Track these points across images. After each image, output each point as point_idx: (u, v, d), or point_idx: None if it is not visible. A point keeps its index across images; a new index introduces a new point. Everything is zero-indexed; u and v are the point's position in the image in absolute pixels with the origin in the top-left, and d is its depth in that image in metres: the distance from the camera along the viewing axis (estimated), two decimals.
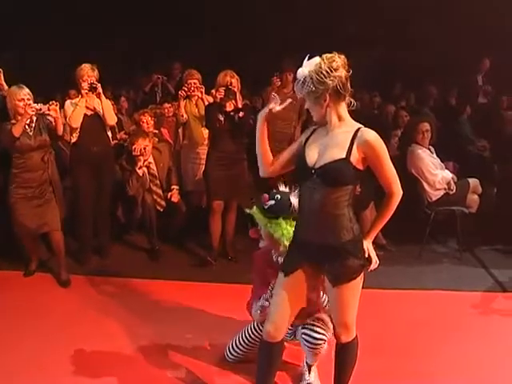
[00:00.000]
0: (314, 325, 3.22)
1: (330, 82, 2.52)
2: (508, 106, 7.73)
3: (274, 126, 5.71)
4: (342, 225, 2.63)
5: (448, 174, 5.55)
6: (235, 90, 5.04)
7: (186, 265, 5.33)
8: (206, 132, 5.61)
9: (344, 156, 2.55)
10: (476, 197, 5.65)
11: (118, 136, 6.65)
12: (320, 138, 2.67)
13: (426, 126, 5.54)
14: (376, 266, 2.75)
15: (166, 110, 6.80)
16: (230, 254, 5.45)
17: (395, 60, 9.32)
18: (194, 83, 5.59)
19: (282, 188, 3.15)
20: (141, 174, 5.45)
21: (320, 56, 2.56)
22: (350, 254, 2.66)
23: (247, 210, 3.11)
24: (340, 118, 2.63)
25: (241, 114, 5.04)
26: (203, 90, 5.60)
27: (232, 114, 5.07)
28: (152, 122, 6.04)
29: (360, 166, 2.59)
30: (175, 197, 5.61)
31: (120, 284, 4.86)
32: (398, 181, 2.67)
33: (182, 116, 5.63)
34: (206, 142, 5.62)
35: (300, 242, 2.75)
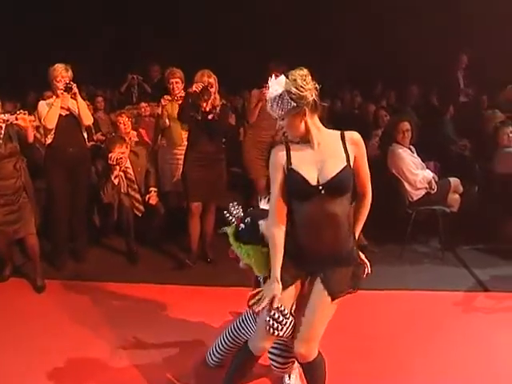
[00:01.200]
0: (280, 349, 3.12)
1: (310, 95, 2.54)
2: (489, 105, 7.83)
3: (257, 135, 5.84)
4: (349, 232, 2.70)
5: (429, 174, 5.59)
6: (212, 90, 5.03)
7: (165, 268, 5.32)
8: (184, 133, 5.61)
9: (346, 163, 2.58)
10: (457, 196, 5.70)
11: (95, 137, 6.62)
12: (307, 156, 2.62)
13: (406, 125, 5.58)
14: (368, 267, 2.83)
15: (143, 110, 6.79)
16: (209, 255, 5.46)
17: (376, 59, 9.38)
18: (176, 82, 5.62)
19: (263, 204, 3.08)
20: (116, 183, 5.42)
21: (285, 74, 2.56)
22: (354, 261, 2.73)
23: (222, 230, 3.07)
24: (319, 128, 2.64)
25: (211, 116, 5.03)
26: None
27: (209, 113, 5.07)
28: (129, 123, 6.03)
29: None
30: (153, 199, 5.60)
31: (97, 288, 4.82)
32: (369, 183, 2.74)
33: (165, 122, 5.68)
34: (185, 142, 5.59)
35: (301, 255, 2.69)
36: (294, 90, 2.50)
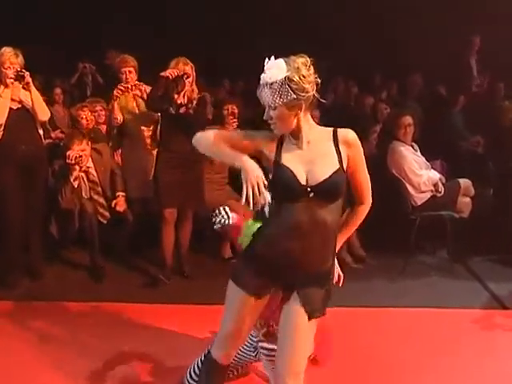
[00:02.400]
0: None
1: (311, 88, 2.52)
2: (505, 94, 7.86)
3: None
4: (335, 244, 2.72)
5: (435, 175, 5.65)
6: (188, 80, 5.04)
7: (136, 284, 5.34)
8: (146, 130, 5.72)
9: (338, 166, 2.58)
10: (468, 200, 5.77)
11: (53, 135, 6.61)
12: (296, 154, 2.63)
13: (408, 119, 5.63)
14: (342, 280, 2.85)
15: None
16: (186, 270, 5.49)
17: (374, 45, 9.43)
18: (129, 71, 5.67)
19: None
20: (76, 186, 5.42)
21: (284, 59, 2.52)
22: (331, 279, 2.74)
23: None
24: (312, 126, 2.64)
25: (183, 109, 5.07)
26: (143, 88, 5.68)
27: (184, 106, 5.09)
28: (92, 118, 6.05)
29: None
30: (121, 205, 5.60)
31: (56, 310, 4.78)
32: (369, 191, 2.73)
33: (116, 118, 5.73)
34: (149, 141, 5.69)
35: (280, 264, 2.67)
36: (296, 79, 2.47)
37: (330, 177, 2.56)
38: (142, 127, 5.75)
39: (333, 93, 8.90)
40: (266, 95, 2.52)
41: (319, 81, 2.56)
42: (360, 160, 2.63)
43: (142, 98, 5.72)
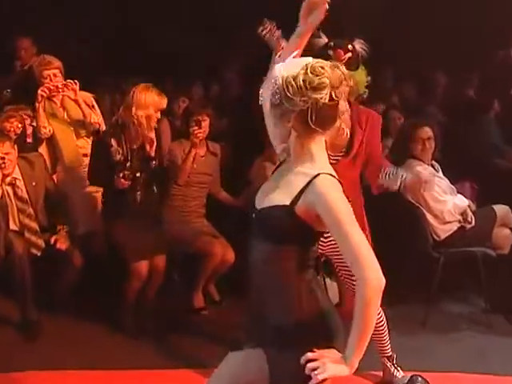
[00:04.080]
0: None
1: (300, 102, 2.53)
2: None
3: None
4: (284, 299, 2.67)
5: (463, 201, 5.64)
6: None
7: (83, 345, 5.22)
8: (86, 143, 5.88)
9: (288, 203, 2.59)
10: (507, 231, 5.76)
11: None
12: (281, 172, 2.77)
13: (427, 132, 5.60)
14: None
15: None
16: (149, 326, 5.48)
17: (383, 35, 9.42)
18: (54, 74, 5.73)
19: None
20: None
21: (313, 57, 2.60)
22: (285, 349, 2.64)
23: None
24: (307, 153, 2.66)
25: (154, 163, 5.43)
26: (76, 87, 5.79)
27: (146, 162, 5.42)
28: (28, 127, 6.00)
29: (313, 224, 2.60)
30: (62, 242, 5.49)
31: None
32: (374, 260, 2.53)
33: (45, 128, 5.78)
34: (86, 162, 5.75)
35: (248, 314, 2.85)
36: (286, 84, 2.52)
37: (271, 208, 2.63)
38: (82, 141, 5.88)
39: None
40: (265, 87, 2.68)
41: (335, 102, 2.55)
42: (336, 218, 2.52)
43: (76, 101, 5.84)
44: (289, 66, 2.59)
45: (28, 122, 6.11)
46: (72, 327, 5.55)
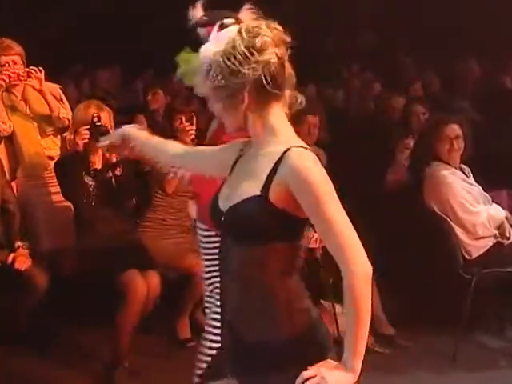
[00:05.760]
0: None
1: (249, 71, 2.54)
2: None
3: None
4: (270, 308, 2.64)
5: (499, 212, 5.63)
6: (107, 128, 5.28)
7: None
8: (49, 145, 5.98)
9: (259, 192, 2.59)
10: None
11: None
12: (238, 166, 2.79)
13: (456, 129, 5.63)
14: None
15: None
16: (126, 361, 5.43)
17: (403, 16, 9.46)
18: (14, 61, 5.76)
19: None
20: None
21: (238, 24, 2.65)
22: (284, 366, 2.62)
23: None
24: (269, 129, 2.67)
25: (118, 170, 5.37)
26: (41, 76, 5.85)
27: (106, 172, 5.37)
28: None
29: (294, 210, 2.59)
30: (22, 261, 5.46)
31: None
32: (361, 248, 2.58)
33: (4, 123, 5.80)
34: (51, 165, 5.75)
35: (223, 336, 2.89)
36: (225, 58, 2.55)
37: (240, 203, 2.63)
38: (48, 141, 5.97)
39: (343, 90, 8.87)
40: (196, 78, 2.68)
41: (282, 58, 2.60)
42: (314, 195, 2.54)
43: (40, 92, 5.90)
44: (216, 41, 2.62)
45: None
46: (30, 363, 5.56)
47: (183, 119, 5.88)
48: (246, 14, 2.99)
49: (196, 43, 2.88)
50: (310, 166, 2.53)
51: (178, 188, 5.82)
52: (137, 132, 3.21)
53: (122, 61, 7.61)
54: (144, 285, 5.28)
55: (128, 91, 9.95)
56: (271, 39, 2.54)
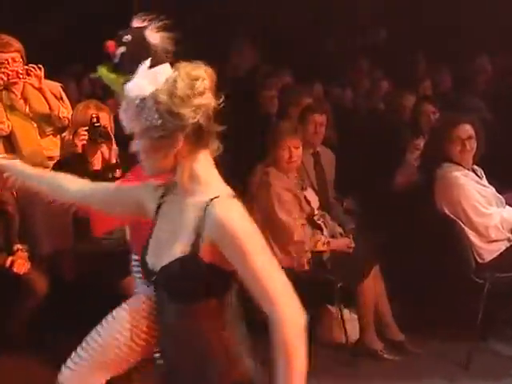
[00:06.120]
0: None
1: (190, 114, 2.53)
2: None
3: None
4: (207, 360, 2.64)
5: None
6: (107, 128, 5.31)
7: None
8: (48, 145, 5.98)
9: (189, 250, 2.56)
10: None
11: None
12: (166, 215, 2.74)
13: (468, 130, 5.61)
14: None
15: None
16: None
17: (415, 15, 9.42)
18: (13, 59, 5.76)
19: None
20: None
21: (171, 62, 2.65)
22: None
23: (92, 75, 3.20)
24: (195, 177, 2.64)
25: (118, 172, 5.34)
26: (41, 74, 5.88)
27: (105, 174, 5.37)
28: None
29: (221, 264, 2.57)
30: (21, 265, 5.48)
31: None
32: (292, 296, 2.56)
33: (2, 123, 5.82)
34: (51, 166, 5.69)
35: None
36: (167, 98, 2.51)
37: (172, 264, 2.60)
38: (47, 140, 5.98)
39: (350, 88, 8.83)
40: (122, 113, 2.63)
41: (216, 103, 2.61)
42: (239, 248, 2.52)
43: (40, 91, 5.92)
44: (150, 78, 2.60)
45: None
46: (28, 368, 5.52)
47: None
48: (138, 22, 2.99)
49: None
50: (233, 217, 2.52)
51: None
52: (10, 162, 3.20)
53: None
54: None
55: None
56: (209, 83, 2.56)
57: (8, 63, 5.76)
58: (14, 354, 5.57)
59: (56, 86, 6.03)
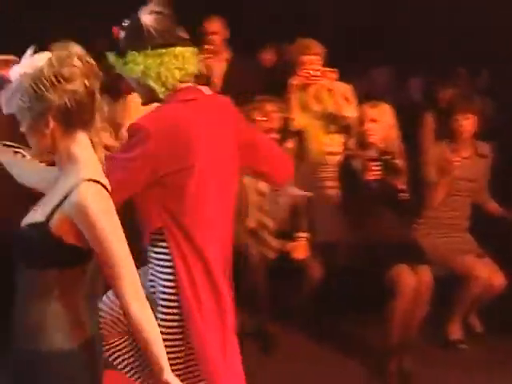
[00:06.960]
0: None
1: (54, 97, 2.63)
2: None
3: None
4: (46, 321, 2.74)
5: None
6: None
7: (317, 365, 5.51)
8: (328, 141, 6.29)
9: (44, 219, 2.65)
10: None
11: None
12: (51, 189, 2.81)
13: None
14: None
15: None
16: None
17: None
18: (313, 61, 6.22)
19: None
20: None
21: (51, 50, 2.71)
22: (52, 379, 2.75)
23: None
24: (71, 157, 2.73)
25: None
26: (335, 76, 6.16)
27: None
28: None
29: (76, 241, 2.67)
30: (300, 251, 5.96)
31: None
32: (138, 288, 2.72)
33: (294, 120, 6.11)
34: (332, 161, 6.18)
35: None
36: (32, 82, 2.63)
37: (25, 228, 2.73)
38: (325, 137, 6.21)
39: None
40: (2, 96, 2.77)
41: (92, 88, 2.72)
42: (91, 234, 2.65)
43: (330, 92, 6.21)
44: (27, 64, 2.70)
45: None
46: (307, 344, 5.91)
47: None
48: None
49: None
50: (95, 204, 2.61)
51: (451, 187, 5.97)
52: None
53: None
54: (413, 279, 5.38)
55: None
56: (80, 70, 2.65)
57: (309, 64, 6.05)
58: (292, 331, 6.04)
59: (348, 88, 6.23)
